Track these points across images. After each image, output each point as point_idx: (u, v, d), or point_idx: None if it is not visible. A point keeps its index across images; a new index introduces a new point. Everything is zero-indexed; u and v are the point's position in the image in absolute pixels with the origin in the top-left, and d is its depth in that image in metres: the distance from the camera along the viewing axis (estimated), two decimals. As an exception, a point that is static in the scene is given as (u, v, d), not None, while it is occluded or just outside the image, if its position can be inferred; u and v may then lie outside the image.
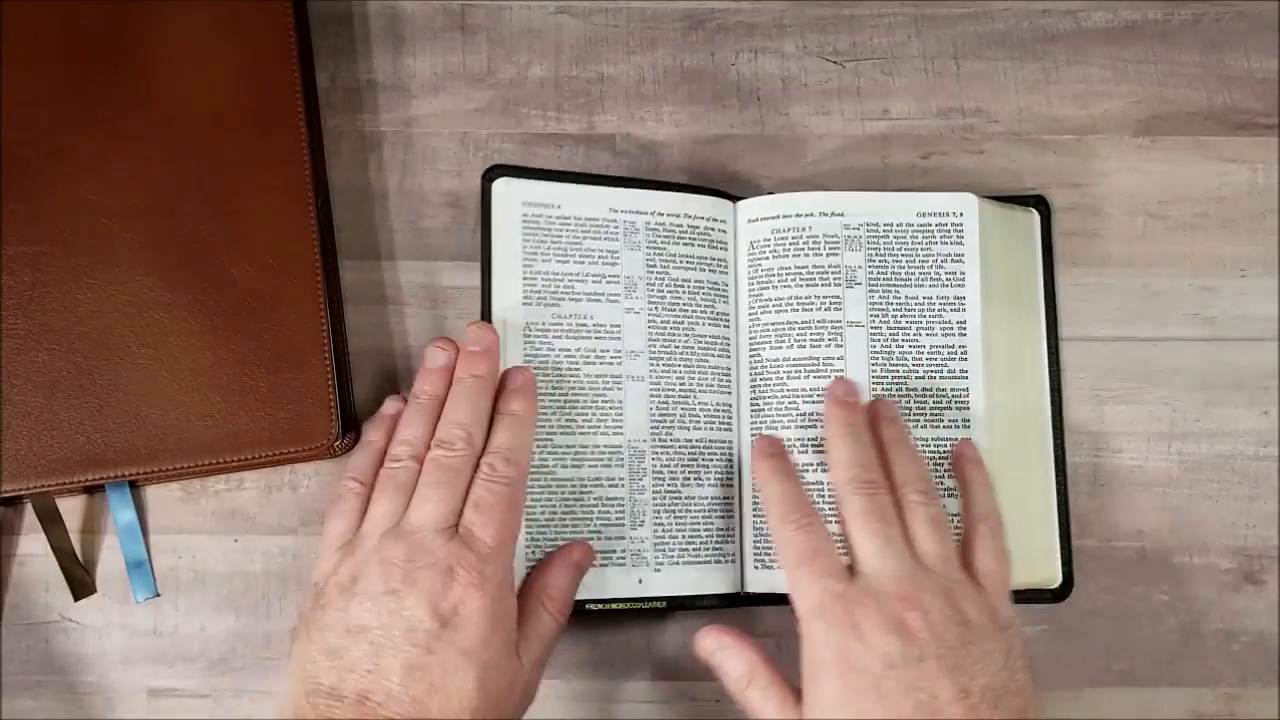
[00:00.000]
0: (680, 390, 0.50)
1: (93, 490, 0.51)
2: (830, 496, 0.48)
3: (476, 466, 0.44)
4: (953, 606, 0.41)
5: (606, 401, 0.49)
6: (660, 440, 0.49)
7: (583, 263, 0.50)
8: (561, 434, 0.48)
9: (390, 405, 0.49)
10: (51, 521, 0.49)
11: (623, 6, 0.56)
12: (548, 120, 0.55)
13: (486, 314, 0.49)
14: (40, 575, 0.51)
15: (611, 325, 0.49)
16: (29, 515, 0.50)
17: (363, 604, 0.41)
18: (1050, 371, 0.52)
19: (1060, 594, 0.50)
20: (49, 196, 0.50)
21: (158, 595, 0.50)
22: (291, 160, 0.50)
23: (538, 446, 0.48)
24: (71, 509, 0.51)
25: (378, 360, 0.52)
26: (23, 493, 0.48)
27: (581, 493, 0.48)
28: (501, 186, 0.50)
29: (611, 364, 0.49)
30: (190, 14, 0.51)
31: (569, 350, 0.49)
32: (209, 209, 0.50)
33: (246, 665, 0.50)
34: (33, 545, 0.51)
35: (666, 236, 0.50)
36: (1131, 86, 0.55)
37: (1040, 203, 0.53)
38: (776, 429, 0.50)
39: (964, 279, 0.50)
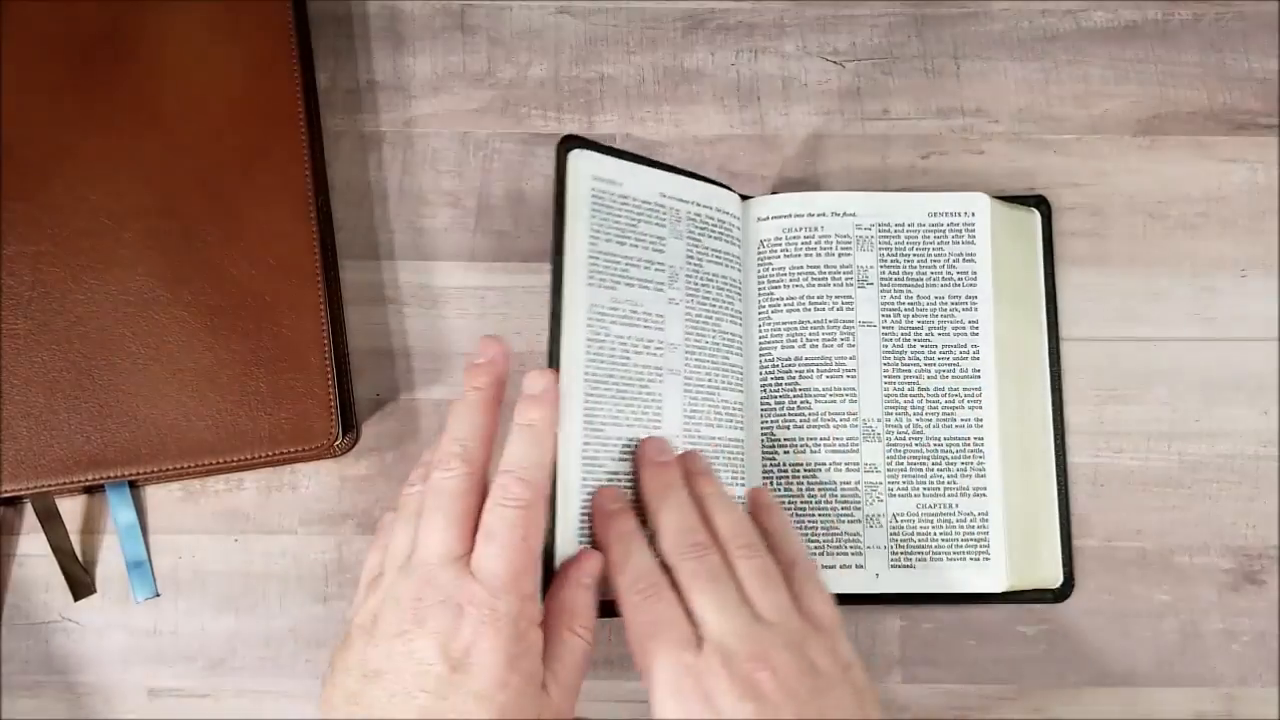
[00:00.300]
0: (708, 386, 0.49)
1: (93, 490, 0.51)
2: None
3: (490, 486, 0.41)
4: (801, 657, 0.40)
5: (650, 394, 0.47)
6: (690, 436, 0.48)
7: (636, 246, 0.47)
8: (613, 425, 0.46)
9: None
10: (51, 521, 0.49)
11: (623, 6, 0.56)
12: (548, 120, 0.55)
13: (558, 293, 0.45)
14: (40, 575, 0.51)
15: (656, 315, 0.48)
16: (29, 515, 0.50)
17: (378, 646, 0.39)
18: (1051, 371, 0.52)
19: (1061, 594, 0.50)
20: (49, 196, 0.50)
21: (158, 595, 0.50)
22: (291, 160, 0.50)
23: (591, 437, 0.45)
24: (71, 509, 0.51)
25: (378, 360, 0.52)
26: (23, 493, 0.48)
27: (627, 487, 0.46)
28: (576, 159, 0.46)
29: (655, 355, 0.47)
30: (190, 14, 0.51)
31: (622, 338, 0.47)
32: (209, 209, 0.50)
33: (246, 665, 0.50)
34: (33, 545, 0.51)
35: (702, 228, 0.49)
36: (1131, 86, 0.55)
37: (1041, 203, 0.53)
38: (789, 428, 0.50)
39: (976, 278, 0.51)
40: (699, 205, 0.49)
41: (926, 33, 0.56)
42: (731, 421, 0.49)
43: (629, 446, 0.46)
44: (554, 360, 0.45)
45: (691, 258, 0.49)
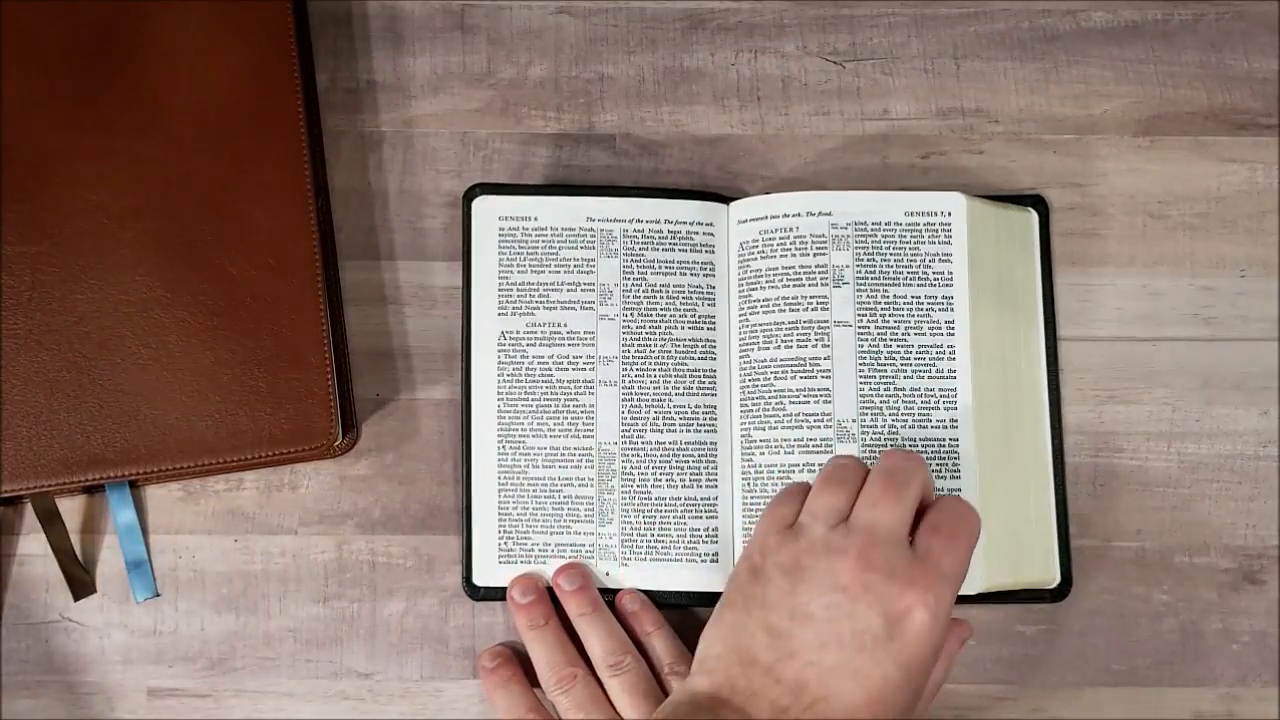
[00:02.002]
0: (654, 394, 0.51)
1: (93, 490, 0.51)
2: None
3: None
4: None
5: (578, 405, 0.51)
6: (631, 442, 0.50)
7: (558, 272, 0.51)
8: (533, 436, 0.50)
9: None
10: (51, 521, 0.49)
11: (623, 6, 0.56)
12: (548, 120, 0.55)
13: (467, 325, 0.51)
14: (40, 575, 0.51)
15: (585, 332, 0.51)
16: (29, 515, 0.50)
17: (810, 592, 0.40)
18: (1049, 372, 0.52)
19: (1059, 594, 0.50)
20: (49, 196, 0.50)
21: (158, 595, 0.51)
22: (291, 160, 0.51)
23: (510, 447, 0.50)
24: (71, 509, 0.51)
25: (377, 360, 0.52)
26: (23, 493, 0.48)
27: (552, 490, 0.50)
28: (480, 204, 0.52)
29: (584, 369, 0.51)
30: (190, 14, 0.51)
31: (542, 357, 0.51)
32: (209, 209, 0.50)
33: (246, 665, 0.50)
34: (33, 545, 0.51)
35: (645, 243, 0.51)
36: (1131, 86, 0.55)
37: (1039, 203, 0.53)
38: (764, 429, 0.50)
39: (952, 279, 0.50)
40: (639, 221, 0.52)
41: (926, 33, 0.56)
42: (691, 426, 0.50)
43: (555, 454, 0.50)
44: (466, 380, 0.51)
45: (630, 272, 0.51)
